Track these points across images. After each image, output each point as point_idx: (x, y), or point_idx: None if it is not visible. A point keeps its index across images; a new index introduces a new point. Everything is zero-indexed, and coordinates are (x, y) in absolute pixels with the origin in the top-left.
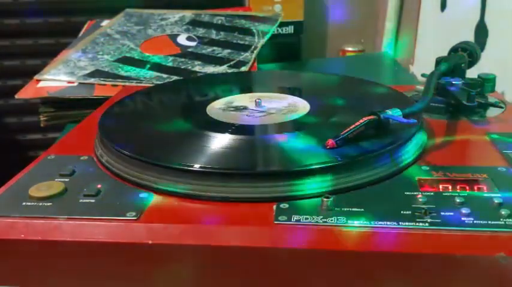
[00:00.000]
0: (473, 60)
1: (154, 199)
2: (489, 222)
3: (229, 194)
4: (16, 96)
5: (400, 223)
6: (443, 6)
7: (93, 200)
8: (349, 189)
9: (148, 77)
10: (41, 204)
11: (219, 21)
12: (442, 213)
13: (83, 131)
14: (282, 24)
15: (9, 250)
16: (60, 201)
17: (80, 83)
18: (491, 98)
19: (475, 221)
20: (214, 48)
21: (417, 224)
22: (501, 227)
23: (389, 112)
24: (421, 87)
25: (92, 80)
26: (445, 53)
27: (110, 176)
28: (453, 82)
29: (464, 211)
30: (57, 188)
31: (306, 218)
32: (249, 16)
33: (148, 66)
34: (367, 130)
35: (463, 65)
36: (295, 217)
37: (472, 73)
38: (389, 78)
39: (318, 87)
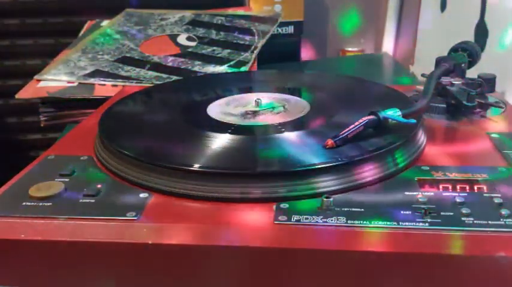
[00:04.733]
0: (473, 60)
1: (154, 199)
2: (489, 222)
3: (229, 194)
4: (16, 96)
5: (400, 223)
6: (443, 6)
7: (93, 200)
8: (349, 189)
9: (148, 77)
10: (41, 204)
11: (219, 21)
12: (442, 213)
13: (83, 131)
14: (282, 24)
15: (9, 250)
16: (60, 201)
17: (80, 83)
18: (491, 98)
19: (475, 221)
20: (214, 48)
21: (417, 224)
22: (501, 227)
23: (388, 112)
24: (421, 87)
25: (92, 80)
26: (445, 53)
27: (110, 176)
28: (453, 82)
29: (464, 211)
30: (57, 188)
31: (306, 218)
32: (249, 16)
33: (148, 66)
34: (367, 130)
35: (463, 65)
36: (295, 217)
37: (472, 73)
38: (389, 78)
39: (318, 87)
